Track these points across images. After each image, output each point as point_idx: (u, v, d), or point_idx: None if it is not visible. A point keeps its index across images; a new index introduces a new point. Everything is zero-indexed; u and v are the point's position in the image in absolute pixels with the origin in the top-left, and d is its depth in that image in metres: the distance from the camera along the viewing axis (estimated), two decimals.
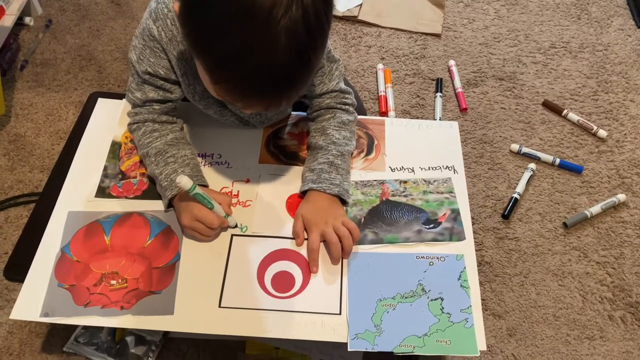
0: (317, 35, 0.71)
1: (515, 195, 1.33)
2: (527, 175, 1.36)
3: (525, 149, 1.41)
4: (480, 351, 0.86)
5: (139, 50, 0.92)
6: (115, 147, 1.08)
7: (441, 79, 1.56)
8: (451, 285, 0.92)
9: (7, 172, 1.33)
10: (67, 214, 0.98)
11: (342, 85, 1.05)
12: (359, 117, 1.11)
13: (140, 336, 1.10)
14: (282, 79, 0.72)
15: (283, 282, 0.92)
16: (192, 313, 0.88)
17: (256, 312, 0.88)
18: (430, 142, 1.11)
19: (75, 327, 1.09)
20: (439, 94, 1.53)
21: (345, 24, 1.71)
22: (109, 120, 1.11)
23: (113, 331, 1.09)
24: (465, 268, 0.94)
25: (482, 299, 1.19)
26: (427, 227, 0.99)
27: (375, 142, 1.11)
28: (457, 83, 1.55)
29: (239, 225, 0.97)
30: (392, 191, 1.03)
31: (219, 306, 0.88)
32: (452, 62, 1.60)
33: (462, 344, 0.86)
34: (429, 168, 1.07)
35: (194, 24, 0.72)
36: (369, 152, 1.09)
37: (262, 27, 0.66)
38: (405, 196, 1.03)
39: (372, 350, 0.85)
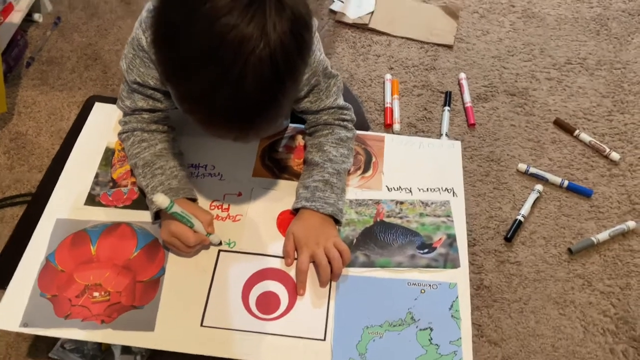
0: (286, 76, 0.70)
1: (520, 218, 1.28)
2: (533, 196, 1.32)
3: (532, 169, 1.37)
4: None
5: (129, 60, 0.91)
6: (108, 153, 1.06)
7: (450, 92, 1.52)
8: (442, 315, 0.88)
9: (6, 171, 1.33)
10: (55, 221, 0.97)
11: (341, 102, 1.02)
12: (359, 132, 1.08)
13: (127, 346, 1.08)
14: (248, 116, 0.71)
15: (268, 303, 0.89)
16: (173, 331, 0.86)
17: (238, 334, 0.86)
18: (431, 162, 1.07)
19: None
20: (447, 107, 1.49)
21: (355, 32, 1.68)
22: (104, 125, 1.09)
23: None
24: (457, 297, 0.90)
25: (479, 325, 1.15)
26: (421, 252, 0.95)
27: (374, 160, 1.07)
28: (467, 97, 1.51)
29: (227, 241, 0.95)
30: (388, 212, 1.00)
31: (201, 325, 0.86)
32: (462, 75, 1.56)
33: None
34: (427, 189, 1.03)
35: (164, 56, 0.72)
36: (365, 170, 1.06)
37: (229, 63, 0.65)
38: (401, 218, 0.99)
39: None
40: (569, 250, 1.25)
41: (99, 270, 0.91)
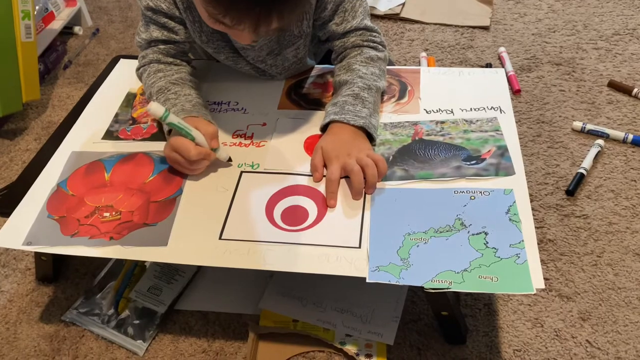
0: None
1: (581, 171, 1.14)
2: (594, 151, 1.18)
3: (590, 126, 1.24)
4: (536, 289, 0.68)
5: None
6: (130, 97, 1.02)
7: (490, 63, 1.45)
8: (497, 219, 0.75)
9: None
10: (70, 154, 0.91)
11: (368, 23, 0.96)
12: (390, 67, 1.01)
13: (145, 308, 0.98)
14: None
15: (294, 216, 0.78)
16: (188, 245, 0.76)
17: (263, 245, 0.75)
18: (474, 86, 0.98)
19: (76, 295, 0.99)
20: None
21: (387, 22, 1.65)
22: (128, 77, 1.06)
23: (116, 302, 0.98)
24: (514, 202, 0.77)
25: (546, 279, 0.99)
26: (468, 163, 0.83)
27: (409, 88, 0.99)
28: (509, 67, 1.42)
29: (250, 163, 0.86)
30: (427, 131, 0.90)
31: (220, 238, 0.76)
32: (502, 49, 1.48)
33: (512, 281, 0.68)
34: (470, 109, 0.93)
35: None
36: (401, 97, 0.97)
37: None
38: (443, 135, 0.89)
39: (397, 284, 0.69)
40: None
41: (111, 193, 0.84)
